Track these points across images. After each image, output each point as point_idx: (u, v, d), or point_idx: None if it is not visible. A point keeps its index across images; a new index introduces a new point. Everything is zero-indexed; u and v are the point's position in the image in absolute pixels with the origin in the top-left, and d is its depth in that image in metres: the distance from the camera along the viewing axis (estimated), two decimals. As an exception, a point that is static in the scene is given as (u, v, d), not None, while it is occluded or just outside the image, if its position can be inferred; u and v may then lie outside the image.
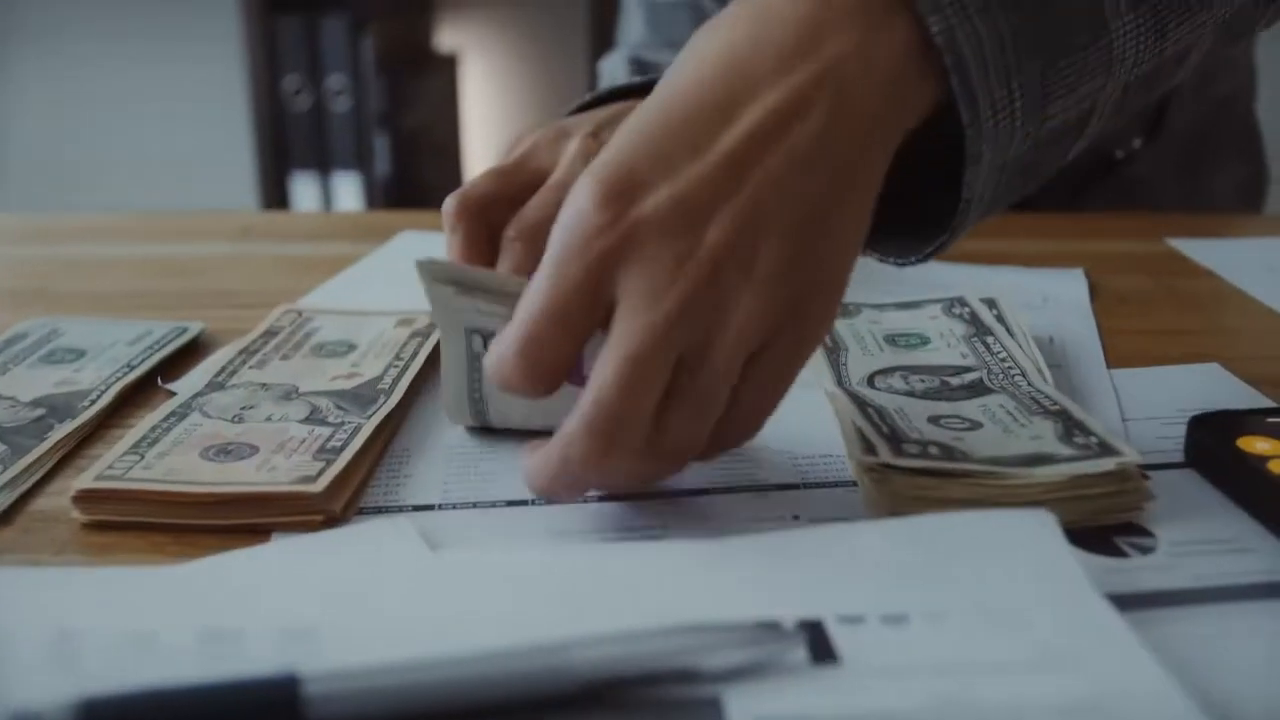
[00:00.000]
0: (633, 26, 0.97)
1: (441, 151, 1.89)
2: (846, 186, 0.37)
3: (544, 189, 0.50)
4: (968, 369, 0.52)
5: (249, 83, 1.77)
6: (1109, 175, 0.89)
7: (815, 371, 0.52)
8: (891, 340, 0.55)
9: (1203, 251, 0.74)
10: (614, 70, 0.96)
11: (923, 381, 0.51)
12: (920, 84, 0.38)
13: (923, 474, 0.42)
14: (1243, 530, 0.42)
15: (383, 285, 0.69)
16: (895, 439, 0.44)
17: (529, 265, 0.47)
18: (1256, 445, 0.45)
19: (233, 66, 1.83)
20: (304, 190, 1.82)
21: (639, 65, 0.94)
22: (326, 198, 1.83)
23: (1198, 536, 0.42)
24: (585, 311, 0.36)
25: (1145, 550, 0.41)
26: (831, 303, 0.39)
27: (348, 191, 1.81)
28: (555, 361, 0.37)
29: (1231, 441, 0.45)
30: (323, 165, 1.81)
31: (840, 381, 0.51)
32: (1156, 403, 0.52)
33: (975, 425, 0.46)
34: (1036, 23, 0.38)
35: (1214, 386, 0.54)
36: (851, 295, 0.59)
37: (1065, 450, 0.43)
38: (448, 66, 2.01)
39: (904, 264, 0.47)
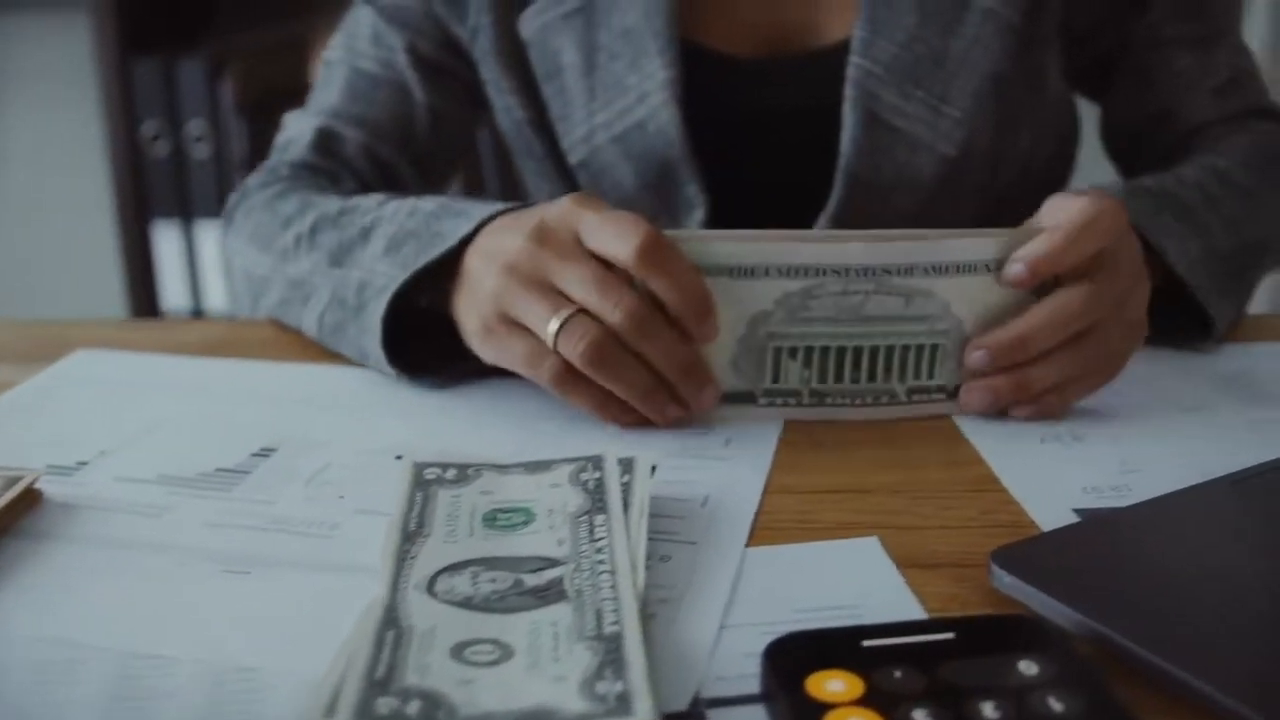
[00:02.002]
0: (330, 92, 0.88)
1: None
2: None
3: None
4: (554, 563, 0.45)
5: (105, 129, 1.70)
6: None
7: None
8: (491, 519, 0.48)
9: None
10: (300, 131, 0.87)
11: (493, 582, 0.44)
12: None
13: (387, 742, 0.35)
14: (781, 805, 0.35)
15: (8, 434, 0.62)
16: (381, 686, 0.37)
17: None
18: (828, 686, 0.38)
19: (88, 112, 1.77)
20: (166, 240, 1.75)
21: (327, 135, 0.86)
22: (190, 247, 1.76)
23: (720, 816, 0.35)
24: None
25: (639, 843, 0.34)
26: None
27: (211, 241, 1.74)
28: None
29: (801, 679, 0.38)
30: (185, 214, 1.74)
31: (395, 583, 0.44)
32: (778, 597, 0.45)
33: (506, 655, 0.39)
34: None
35: (857, 572, 0.47)
36: (482, 449, 0.53)
37: (575, 705, 0.36)
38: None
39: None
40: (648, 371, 0.58)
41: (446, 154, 0.92)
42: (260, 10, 1.78)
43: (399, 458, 0.57)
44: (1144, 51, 0.85)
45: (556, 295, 0.57)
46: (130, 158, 1.71)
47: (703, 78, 0.80)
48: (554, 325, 0.56)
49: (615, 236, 0.56)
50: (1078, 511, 0.52)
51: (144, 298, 1.79)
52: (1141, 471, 0.55)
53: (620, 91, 0.80)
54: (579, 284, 0.56)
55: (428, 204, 0.68)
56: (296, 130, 0.89)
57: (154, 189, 1.73)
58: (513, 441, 0.59)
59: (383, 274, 0.65)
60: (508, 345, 0.59)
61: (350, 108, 0.87)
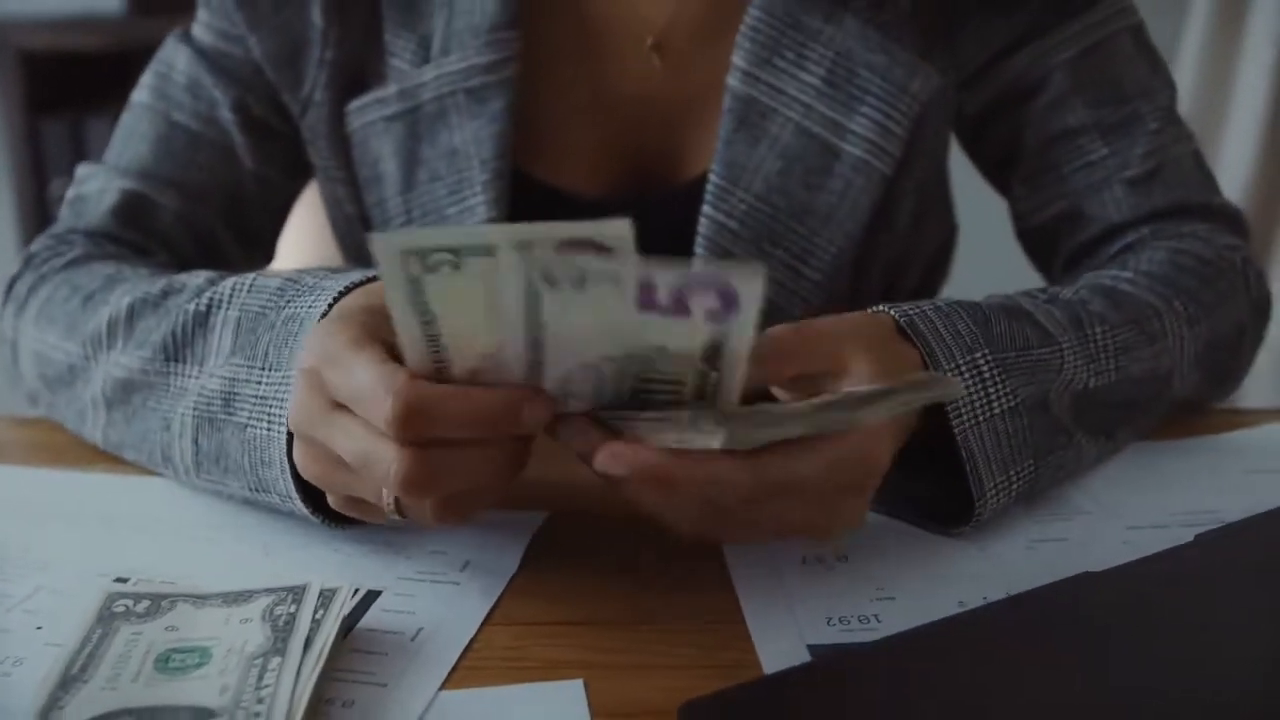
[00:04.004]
0: (138, 146, 0.77)
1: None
2: None
3: None
4: (209, 714, 0.42)
5: (13, 189, 1.68)
6: None
7: None
8: (165, 660, 0.46)
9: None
10: (100, 192, 0.76)
11: (131, 739, 0.41)
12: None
13: None
14: None
15: None
16: None
17: None
18: None
19: (-5, 171, 1.76)
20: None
21: (136, 201, 0.74)
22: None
23: None
24: None
25: None
26: None
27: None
28: None
29: None
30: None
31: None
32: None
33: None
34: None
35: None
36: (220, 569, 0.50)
37: None
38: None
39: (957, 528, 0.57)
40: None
41: (273, 228, 0.84)
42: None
43: (120, 580, 0.54)
44: (1046, 143, 0.76)
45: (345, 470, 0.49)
46: (39, 218, 1.70)
47: (534, 216, 0.75)
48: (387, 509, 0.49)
49: (368, 411, 0.46)
50: (813, 649, 0.49)
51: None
52: (896, 599, 0.53)
53: (438, 219, 0.74)
54: (349, 455, 0.48)
55: (271, 281, 0.59)
56: (95, 189, 0.77)
57: (62, 249, 1.71)
58: (257, 558, 0.56)
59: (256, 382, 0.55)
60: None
61: (164, 169, 0.76)
